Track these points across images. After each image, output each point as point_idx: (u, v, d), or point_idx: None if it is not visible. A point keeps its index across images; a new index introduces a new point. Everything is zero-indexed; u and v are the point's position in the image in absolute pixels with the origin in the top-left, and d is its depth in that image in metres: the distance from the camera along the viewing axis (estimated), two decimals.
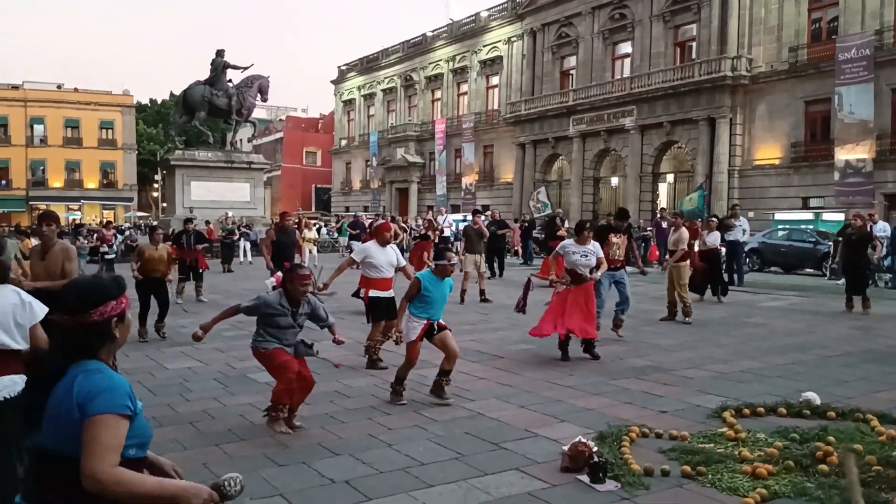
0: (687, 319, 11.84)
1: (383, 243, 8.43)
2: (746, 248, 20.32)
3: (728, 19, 31.47)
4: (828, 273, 20.12)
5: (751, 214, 27.78)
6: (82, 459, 1.99)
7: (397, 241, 11.72)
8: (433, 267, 6.79)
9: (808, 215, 26.63)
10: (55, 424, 2.06)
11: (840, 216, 24.35)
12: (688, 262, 12.32)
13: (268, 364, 5.82)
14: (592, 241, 8.93)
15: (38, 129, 64.11)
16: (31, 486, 2.13)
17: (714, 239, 14.60)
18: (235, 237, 25.37)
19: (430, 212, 33.15)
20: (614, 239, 10.21)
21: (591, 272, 8.79)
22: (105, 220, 47.79)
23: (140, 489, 2.05)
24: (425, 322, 6.57)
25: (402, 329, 6.62)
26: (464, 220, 26.99)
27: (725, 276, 16.19)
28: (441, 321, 6.72)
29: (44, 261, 6.44)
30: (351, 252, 12.52)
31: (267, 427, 5.84)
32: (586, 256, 8.72)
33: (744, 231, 17.48)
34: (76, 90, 67.53)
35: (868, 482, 4.45)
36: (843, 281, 17.65)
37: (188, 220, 15.71)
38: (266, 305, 5.72)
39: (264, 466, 5.04)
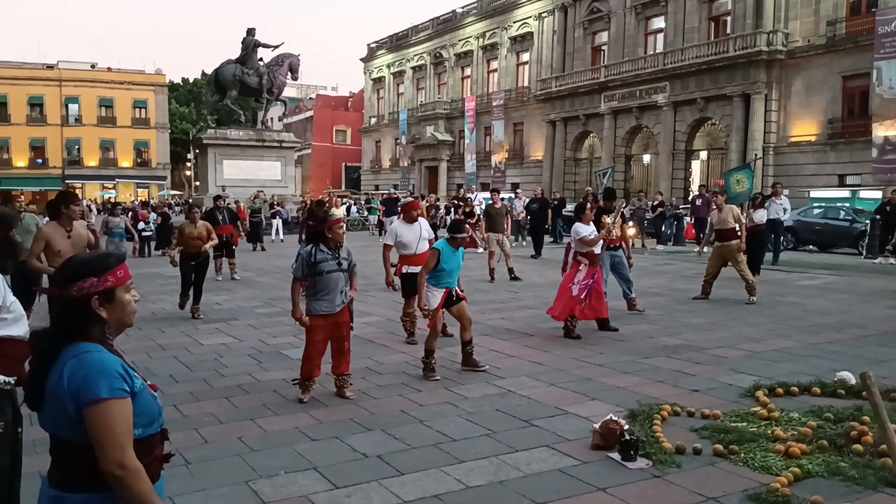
0: (752, 298, 11.39)
1: (410, 220, 8.65)
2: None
3: None
4: (864, 251, 19.78)
5: (786, 192, 27.29)
6: (101, 451, 1.99)
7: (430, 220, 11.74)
8: (448, 238, 6.99)
9: (845, 193, 26.13)
10: (52, 411, 2.07)
11: (877, 194, 23.87)
12: (736, 241, 11.94)
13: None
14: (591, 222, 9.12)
15: (73, 108, 64.98)
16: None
17: (761, 216, 14.40)
18: (266, 215, 25.64)
19: (461, 190, 33.13)
20: (607, 219, 10.21)
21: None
22: (140, 200, 48.53)
23: (142, 489, 2.03)
24: (444, 291, 6.85)
25: (426, 301, 6.84)
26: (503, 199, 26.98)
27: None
28: (458, 289, 7.02)
29: (70, 238, 6.59)
30: (381, 234, 12.61)
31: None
32: (593, 235, 8.96)
33: (784, 210, 17.19)
34: (110, 70, 68.24)
35: None
36: (879, 260, 17.43)
37: (218, 198, 15.88)
38: (308, 255, 6.02)
39: (298, 441, 5.13)
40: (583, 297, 8.67)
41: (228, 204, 16.32)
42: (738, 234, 11.78)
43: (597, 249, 8.93)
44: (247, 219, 24.17)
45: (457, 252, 6.94)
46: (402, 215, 8.97)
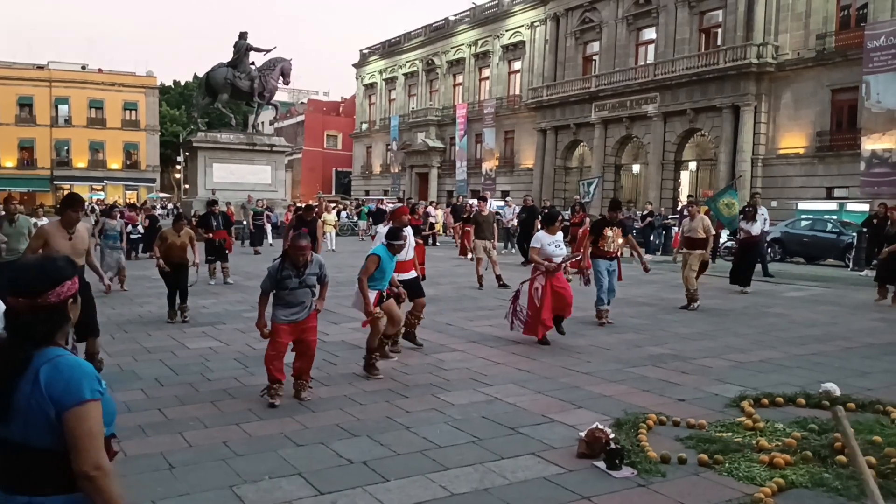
0: (693, 305, 11.90)
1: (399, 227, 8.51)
2: (769, 238, 20.10)
3: (754, 5, 31.00)
4: (851, 264, 19.91)
5: (774, 204, 27.49)
6: (79, 453, 1.99)
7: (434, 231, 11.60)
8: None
9: (832, 205, 26.31)
10: (24, 419, 2.01)
11: (865, 207, 24.04)
12: (704, 250, 12.26)
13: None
14: (559, 232, 9.25)
15: (63, 109, 64.69)
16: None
17: (756, 228, 14.54)
18: (264, 219, 25.88)
19: (457, 197, 33.16)
20: (608, 232, 10.28)
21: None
22: (129, 202, 48.35)
23: (114, 490, 2.06)
24: (376, 293, 7.13)
25: (372, 308, 7.01)
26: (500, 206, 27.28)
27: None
28: (385, 290, 7.34)
29: (71, 241, 6.57)
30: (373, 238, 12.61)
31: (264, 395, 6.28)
32: (559, 246, 9.07)
33: (765, 220, 17.25)
34: (100, 71, 68.00)
35: (887, 474, 4.44)
36: (865, 272, 17.54)
37: (214, 203, 15.92)
38: (275, 272, 6.22)
39: (283, 446, 5.11)
40: (538, 297, 8.72)
41: (221, 209, 16.33)
42: (706, 244, 12.22)
43: (557, 259, 8.97)
44: (249, 222, 24.64)
45: (393, 258, 7.32)
46: (391, 221, 8.84)
